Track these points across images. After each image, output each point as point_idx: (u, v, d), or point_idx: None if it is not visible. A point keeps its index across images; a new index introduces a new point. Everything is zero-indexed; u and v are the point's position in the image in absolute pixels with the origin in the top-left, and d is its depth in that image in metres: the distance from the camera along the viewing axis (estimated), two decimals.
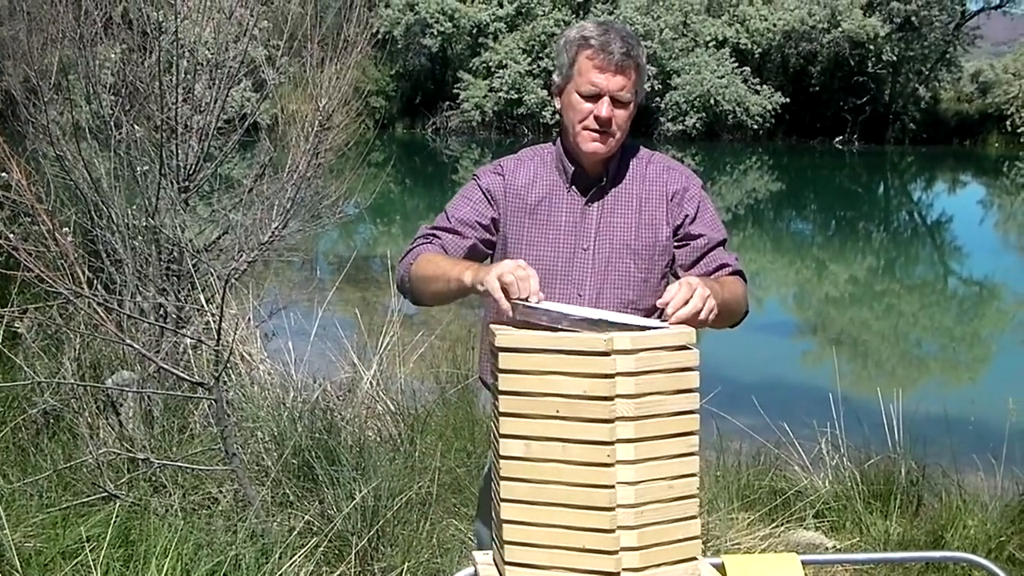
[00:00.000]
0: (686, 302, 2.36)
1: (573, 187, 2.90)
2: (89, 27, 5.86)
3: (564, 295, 2.86)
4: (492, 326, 2.23)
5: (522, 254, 2.84)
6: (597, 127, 2.79)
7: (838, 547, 4.82)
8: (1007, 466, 5.24)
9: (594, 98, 2.77)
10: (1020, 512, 4.86)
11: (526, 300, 2.30)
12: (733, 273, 2.90)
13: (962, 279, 16.80)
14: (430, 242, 2.93)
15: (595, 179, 2.89)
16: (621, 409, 2.05)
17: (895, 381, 8.76)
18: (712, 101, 38.38)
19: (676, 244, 2.91)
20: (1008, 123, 39.57)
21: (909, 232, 22.30)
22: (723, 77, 38.63)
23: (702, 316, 2.38)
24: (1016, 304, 14.17)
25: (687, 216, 2.90)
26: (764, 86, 39.50)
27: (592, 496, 2.07)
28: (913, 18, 39.68)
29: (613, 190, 2.90)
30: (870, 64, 40.32)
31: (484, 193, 2.95)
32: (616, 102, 2.77)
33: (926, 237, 21.79)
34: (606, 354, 2.04)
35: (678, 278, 2.91)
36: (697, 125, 38.81)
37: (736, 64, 39.37)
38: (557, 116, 2.93)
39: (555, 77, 2.91)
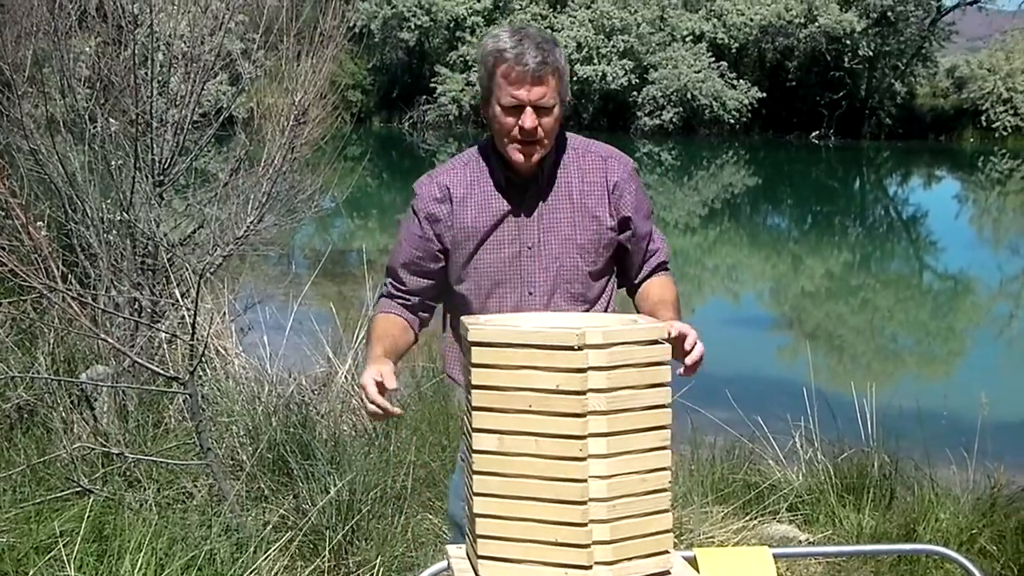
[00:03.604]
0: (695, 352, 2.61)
1: (510, 191, 2.88)
2: (64, 20, 5.83)
3: (516, 295, 2.89)
4: (465, 320, 2.24)
5: (469, 268, 2.90)
6: (522, 138, 2.76)
7: (811, 540, 4.84)
8: (979, 460, 5.27)
9: (516, 109, 2.74)
10: (991, 505, 4.89)
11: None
12: (666, 268, 3.04)
13: (937, 274, 16.89)
14: (391, 297, 3.04)
15: (530, 180, 2.87)
16: (593, 403, 2.05)
17: (869, 375, 8.82)
18: (689, 96, 38.50)
19: (623, 238, 2.93)
20: (983, 118, 39.79)
21: (885, 227, 22.40)
22: (700, 72, 38.75)
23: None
24: (990, 299, 14.27)
25: (628, 208, 2.91)
26: (741, 81, 39.64)
27: (565, 490, 2.07)
28: (889, 13, 39.85)
29: (552, 188, 2.88)
30: (846, 59, 40.50)
31: (429, 226, 2.94)
32: (540, 110, 2.74)
33: (902, 232, 21.90)
34: (578, 348, 2.05)
35: (627, 276, 3.02)
36: (674, 119, 38.92)
37: (713, 59, 39.50)
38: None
39: (479, 87, 2.89)
